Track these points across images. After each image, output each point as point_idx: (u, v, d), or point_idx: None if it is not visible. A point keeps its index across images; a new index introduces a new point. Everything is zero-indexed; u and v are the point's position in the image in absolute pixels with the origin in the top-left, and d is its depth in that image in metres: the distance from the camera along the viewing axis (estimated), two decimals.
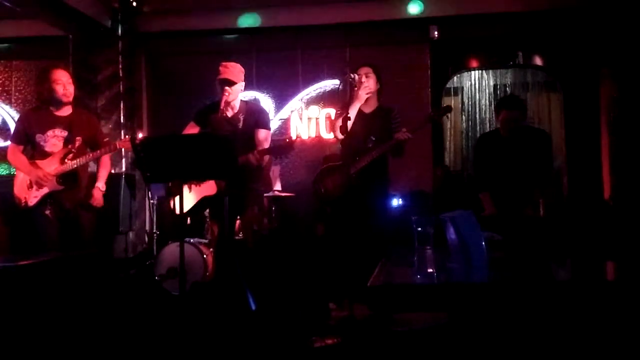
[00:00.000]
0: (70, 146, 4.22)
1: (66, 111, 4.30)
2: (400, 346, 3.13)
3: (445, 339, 2.06)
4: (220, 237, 4.25)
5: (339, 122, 3.95)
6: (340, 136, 4.03)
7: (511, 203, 4.30)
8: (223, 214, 3.98)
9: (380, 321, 3.47)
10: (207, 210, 4.93)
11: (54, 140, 4.24)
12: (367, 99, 4.37)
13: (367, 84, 4.29)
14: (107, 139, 4.56)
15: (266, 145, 4.04)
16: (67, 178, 4.21)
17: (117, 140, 4.43)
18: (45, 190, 4.18)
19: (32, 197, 4.19)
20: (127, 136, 4.40)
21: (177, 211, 3.39)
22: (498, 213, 4.30)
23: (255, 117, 4.17)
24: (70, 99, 4.27)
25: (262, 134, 4.12)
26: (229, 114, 4.14)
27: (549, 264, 2.34)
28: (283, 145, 3.96)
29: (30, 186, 4.20)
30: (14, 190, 4.25)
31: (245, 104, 4.27)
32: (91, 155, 4.24)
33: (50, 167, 4.19)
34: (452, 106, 7.77)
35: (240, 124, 4.10)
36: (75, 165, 4.20)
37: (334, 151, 4.57)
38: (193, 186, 4.10)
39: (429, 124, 5.27)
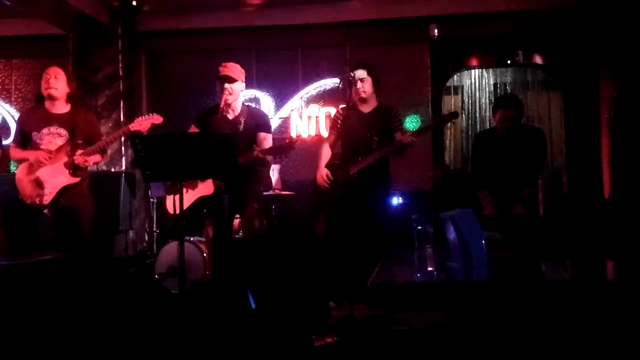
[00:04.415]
0: (76, 140, 4.22)
1: (63, 109, 4.28)
2: (400, 345, 3.13)
3: (445, 338, 2.06)
4: (219, 236, 4.25)
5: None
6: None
7: (507, 202, 4.31)
8: (220, 212, 3.99)
9: (380, 320, 3.48)
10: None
11: (49, 137, 4.20)
12: (365, 99, 4.38)
13: (364, 89, 4.32)
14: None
15: (267, 147, 4.05)
16: (78, 170, 4.21)
17: (131, 123, 4.31)
18: (58, 186, 4.14)
19: (46, 195, 4.15)
20: (140, 117, 4.32)
21: (176, 210, 3.38)
22: (498, 212, 4.30)
23: (256, 120, 4.17)
24: (55, 95, 4.21)
25: (262, 136, 4.12)
26: (230, 116, 4.14)
27: (549, 263, 2.34)
28: (283, 145, 3.96)
29: (37, 185, 4.17)
30: (20, 193, 4.19)
31: (247, 107, 4.26)
32: (107, 138, 4.26)
33: (55, 163, 4.17)
34: (452, 104, 7.80)
35: (241, 127, 4.11)
36: (91, 161, 4.24)
37: (335, 150, 4.56)
38: (189, 187, 4.07)
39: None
